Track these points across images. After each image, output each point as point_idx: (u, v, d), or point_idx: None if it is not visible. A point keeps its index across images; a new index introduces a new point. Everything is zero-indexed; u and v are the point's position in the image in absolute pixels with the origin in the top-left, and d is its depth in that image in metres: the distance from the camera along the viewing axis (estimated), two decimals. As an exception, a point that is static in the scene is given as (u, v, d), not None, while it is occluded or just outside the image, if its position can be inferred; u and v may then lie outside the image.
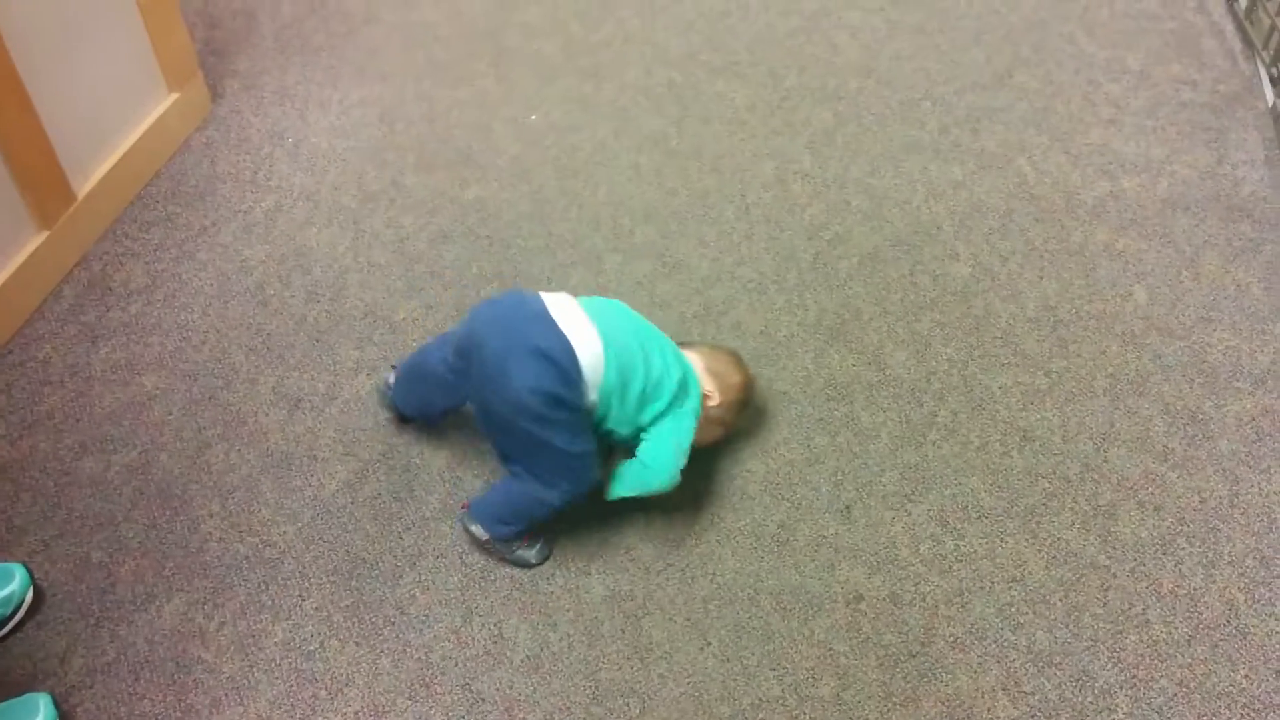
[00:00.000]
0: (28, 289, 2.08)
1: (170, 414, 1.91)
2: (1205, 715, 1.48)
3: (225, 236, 2.31)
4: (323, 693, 1.53)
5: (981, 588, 1.65)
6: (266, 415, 1.92)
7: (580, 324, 1.55)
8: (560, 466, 1.54)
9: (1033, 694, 1.52)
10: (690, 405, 1.64)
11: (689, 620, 1.62)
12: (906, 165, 2.47)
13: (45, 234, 2.10)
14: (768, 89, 2.65)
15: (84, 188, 2.21)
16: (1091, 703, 1.51)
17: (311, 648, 1.58)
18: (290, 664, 1.56)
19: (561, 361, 1.49)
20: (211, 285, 2.18)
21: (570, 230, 2.32)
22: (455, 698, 1.52)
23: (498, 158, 2.53)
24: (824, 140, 2.55)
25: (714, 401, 1.71)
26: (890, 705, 1.51)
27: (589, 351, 1.52)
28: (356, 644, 1.59)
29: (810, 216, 2.35)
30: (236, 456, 1.85)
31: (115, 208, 2.32)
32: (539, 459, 1.54)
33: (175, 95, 2.50)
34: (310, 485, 1.80)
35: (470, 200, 2.40)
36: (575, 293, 2.13)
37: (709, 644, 1.59)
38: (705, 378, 1.72)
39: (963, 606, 1.63)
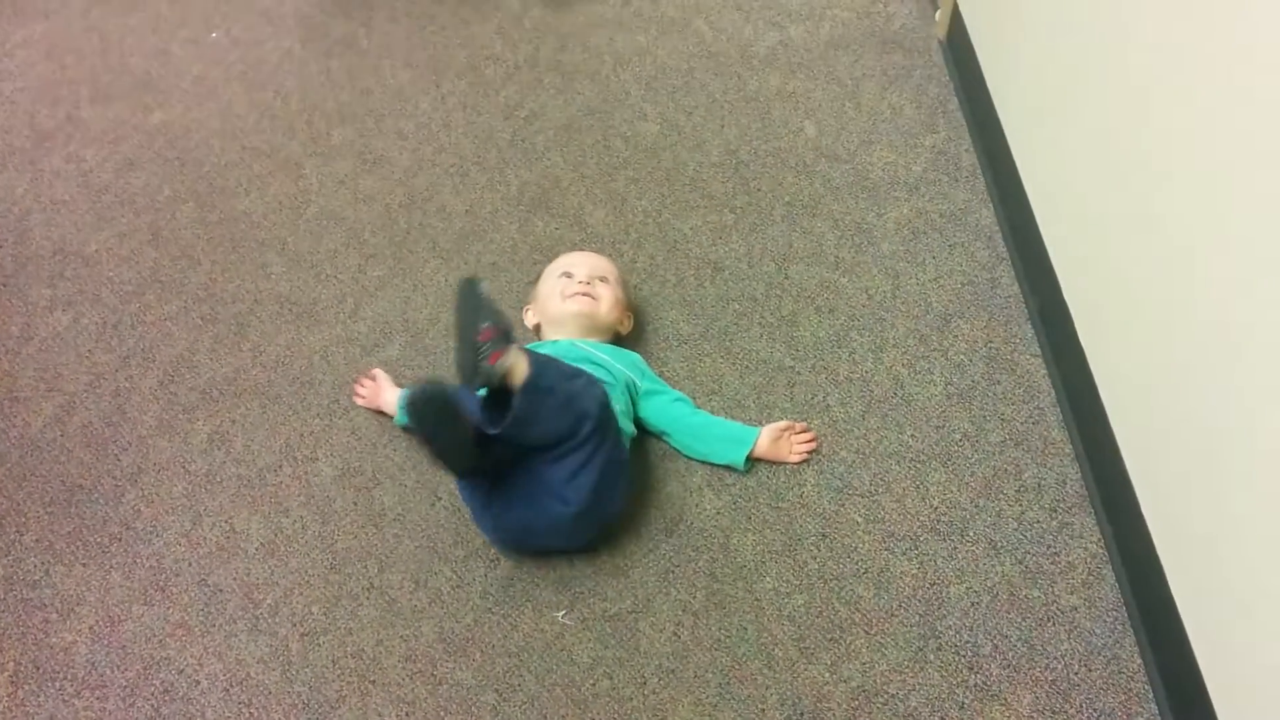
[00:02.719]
0: None
1: None
2: (879, 473, 1.69)
3: (-115, 196, 2.16)
4: (54, 615, 1.53)
5: (684, 404, 1.79)
6: (-44, 366, 1.84)
7: None
8: None
9: (734, 485, 1.68)
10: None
11: (419, 482, 1.70)
12: (593, 39, 2.56)
13: None
14: (448, -21, 2.67)
15: None
16: (784, 481, 1.68)
17: (36, 577, 1.57)
18: (15, 596, 1.55)
19: None
20: (-124, 247, 2.05)
21: (264, 141, 2.30)
22: (192, 595, 1.55)
23: (180, 80, 2.46)
24: (512, 24, 2.60)
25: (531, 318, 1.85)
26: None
27: None
28: (83, 565, 1.58)
29: (505, 98, 2.41)
30: (-71, 411, 1.78)
31: None
32: None
33: None
34: (15, 426, 1.76)
35: (155, 125, 2.34)
36: (277, 200, 2.13)
37: (439, 499, 1.67)
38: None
39: (669, 423, 1.76)
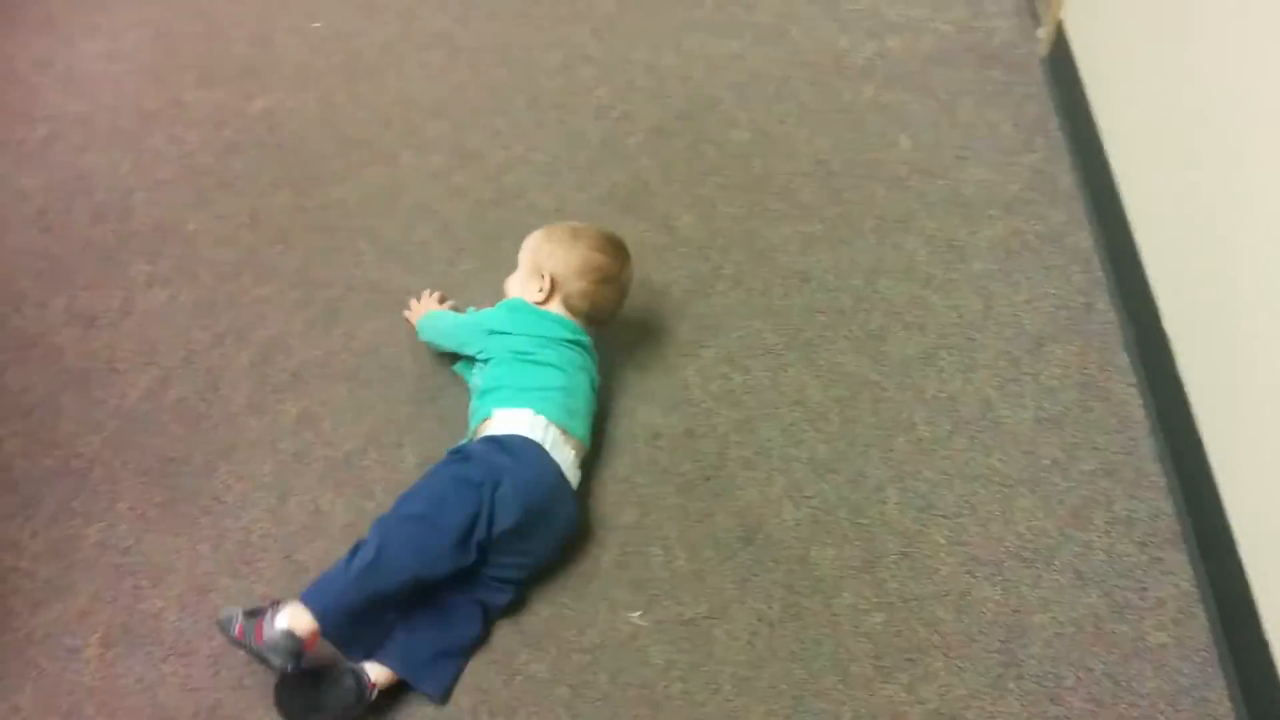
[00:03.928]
0: None
1: (-43, 345, 1.88)
2: (964, 495, 1.66)
3: (-1, 168, 2.24)
4: (144, 582, 1.57)
5: (767, 414, 1.78)
6: (60, 335, 1.91)
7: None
8: None
9: (814, 497, 1.67)
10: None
11: (500, 475, 1.70)
12: (687, 43, 2.56)
13: None
14: (548, -21, 2.69)
15: None
16: (865, 498, 1.67)
17: (128, 544, 1.61)
18: (108, 561, 1.59)
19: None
20: (-11, 217, 2.13)
21: (361, 132, 2.34)
22: (277, 570, 1.58)
23: (282, 67, 2.51)
24: (607, 26, 2.61)
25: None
26: (688, 524, 1.64)
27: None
28: (174, 535, 1.62)
29: (597, 99, 2.42)
30: (34, 376, 1.84)
31: (-127, 147, 2.22)
32: None
33: (-74, 28, 2.39)
34: (113, 396, 1.81)
35: (257, 111, 2.39)
36: (371, 190, 2.17)
37: (520, 493, 1.68)
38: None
39: (751, 432, 1.76)
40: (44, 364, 1.85)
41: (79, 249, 2.06)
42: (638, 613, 1.54)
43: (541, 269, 1.71)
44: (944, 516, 1.63)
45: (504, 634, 1.52)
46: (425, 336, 1.83)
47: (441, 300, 1.92)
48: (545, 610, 1.54)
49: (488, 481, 1.48)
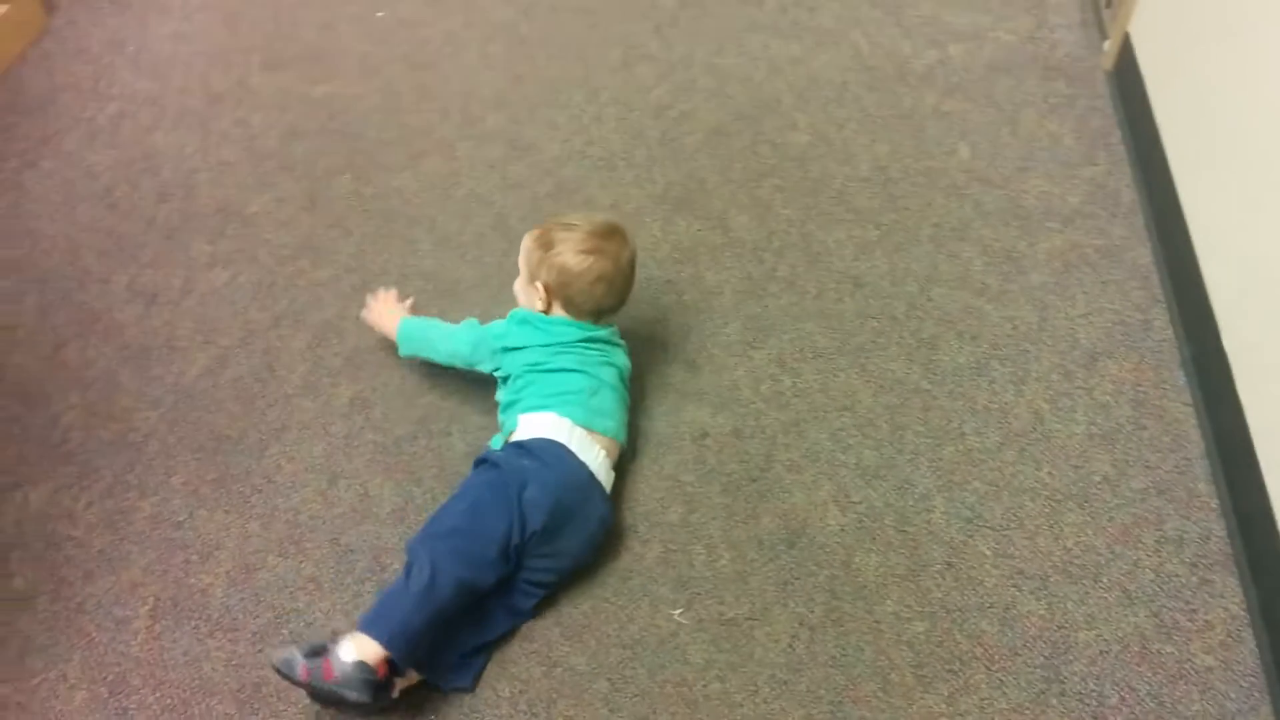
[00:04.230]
0: None
1: (22, 317, 1.93)
2: (1012, 508, 1.65)
3: (69, 144, 2.29)
4: (194, 557, 1.59)
5: (816, 417, 1.78)
6: (122, 311, 1.94)
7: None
8: None
9: (860, 503, 1.66)
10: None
11: (546, 467, 1.71)
12: (749, 44, 2.56)
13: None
14: (611, -25, 2.70)
15: (-88, 99, 2.16)
16: (911, 506, 1.66)
17: (180, 518, 1.64)
18: (160, 534, 1.62)
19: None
20: (57, 192, 2.18)
21: (421, 121, 2.36)
22: (325, 551, 1.60)
23: (346, 55, 2.54)
24: (669, 23, 2.62)
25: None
26: (732, 523, 1.64)
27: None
28: (225, 512, 1.65)
29: (657, 97, 2.42)
30: (94, 351, 1.88)
31: (-51, 120, 2.28)
32: None
33: (4, 8, 2.45)
34: (171, 373, 1.84)
35: (319, 97, 2.42)
36: (429, 180, 2.19)
37: (565, 486, 1.69)
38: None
39: (799, 435, 1.75)
40: (105, 339, 1.89)
41: (143, 227, 2.10)
42: (679, 610, 1.54)
43: (535, 278, 1.66)
44: (991, 528, 1.62)
45: (544, 625, 1.53)
46: (412, 351, 1.76)
47: (401, 300, 1.85)
48: (586, 604, 1.55)
49: (514, 485, 1.48)
